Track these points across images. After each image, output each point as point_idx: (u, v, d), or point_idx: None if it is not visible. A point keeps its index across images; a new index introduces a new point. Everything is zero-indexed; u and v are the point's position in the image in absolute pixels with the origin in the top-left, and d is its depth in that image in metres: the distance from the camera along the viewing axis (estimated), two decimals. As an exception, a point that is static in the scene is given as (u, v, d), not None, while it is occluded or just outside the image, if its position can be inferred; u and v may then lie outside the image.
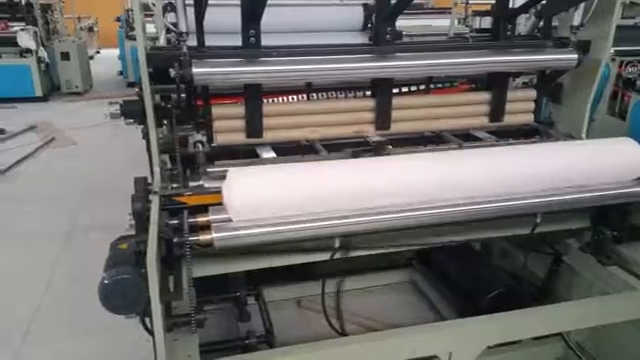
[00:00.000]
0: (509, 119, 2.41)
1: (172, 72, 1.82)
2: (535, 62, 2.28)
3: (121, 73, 10.44)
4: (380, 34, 2.09)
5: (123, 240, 1.56)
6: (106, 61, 12.17)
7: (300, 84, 2.26)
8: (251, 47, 1.94)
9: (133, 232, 1.64)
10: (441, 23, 7.44)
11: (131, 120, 2.17)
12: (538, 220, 1.92)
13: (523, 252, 2.69)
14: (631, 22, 5.76)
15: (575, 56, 2.21)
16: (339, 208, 1.66)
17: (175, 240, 1.51)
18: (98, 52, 13.62)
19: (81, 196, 4.77)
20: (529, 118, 2.46)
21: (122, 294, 1.39)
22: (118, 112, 2.13)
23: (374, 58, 2.08)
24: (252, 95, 2.04)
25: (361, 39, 3.40)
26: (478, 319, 1.79)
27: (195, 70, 1.80)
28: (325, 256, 1.82)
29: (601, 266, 2.08)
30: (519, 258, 2.73)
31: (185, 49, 1.79)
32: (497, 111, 2.37)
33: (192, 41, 1.92)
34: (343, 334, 2.37)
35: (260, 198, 1.59)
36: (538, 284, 2.59)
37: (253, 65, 1.92)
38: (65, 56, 8.96)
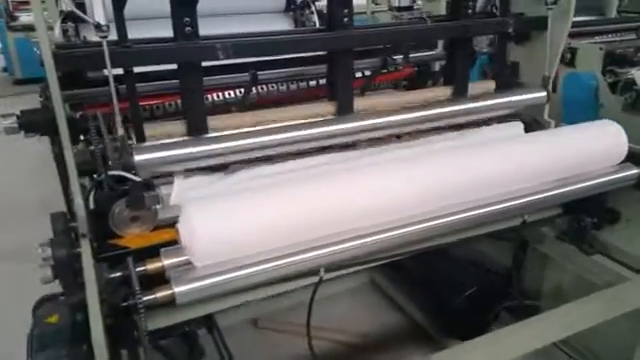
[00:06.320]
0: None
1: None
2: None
3: (5, 69, 9.19)
4: (336, 17, 1.81)
5: (49, 306, 1.17)
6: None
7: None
8: (187, 39, 1.56)
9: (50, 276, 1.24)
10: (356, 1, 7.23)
11: (31, 134, 1.73)
12: (526, 217, 1.77)
13: (489, 241, 2.58)
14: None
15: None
16: (319, 235, 1.41)
17: (124, 304, 1.14)
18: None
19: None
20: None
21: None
22: (16, 125, 1.68)
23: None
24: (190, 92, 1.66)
25: (285, 21, 3.07)
26: (475, 342, 1.58)
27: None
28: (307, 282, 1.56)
29: (585, 256, 1.97)
30: (484, 247, 2.63)
31: (105, 45, 1.38)
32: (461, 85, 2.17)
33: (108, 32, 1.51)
34: (313, 352, 2.12)
35: (227, 236, 1.25)
36: (505, 273, 2.49)
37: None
38: None
